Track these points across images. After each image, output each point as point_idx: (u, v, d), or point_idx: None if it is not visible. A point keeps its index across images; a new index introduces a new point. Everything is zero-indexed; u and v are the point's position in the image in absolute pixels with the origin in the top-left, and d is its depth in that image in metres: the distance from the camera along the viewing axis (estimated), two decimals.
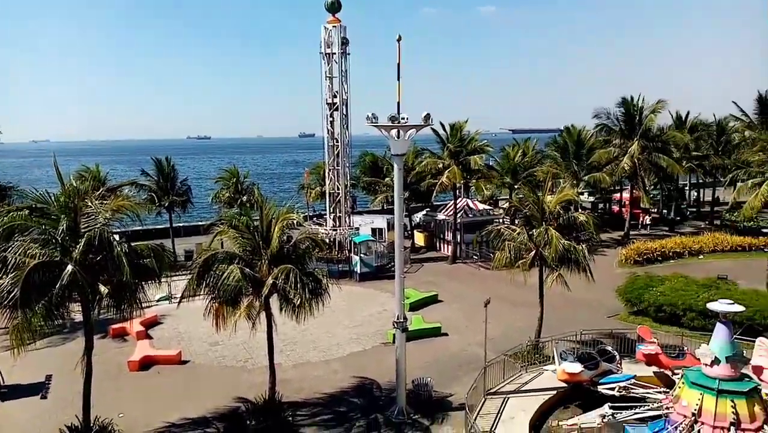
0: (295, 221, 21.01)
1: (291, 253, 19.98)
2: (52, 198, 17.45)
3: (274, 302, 19.39)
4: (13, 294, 15.39)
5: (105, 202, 17.92)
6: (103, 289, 17.34)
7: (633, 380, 19.56)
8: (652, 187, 58.96)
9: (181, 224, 51.22)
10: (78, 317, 17.75)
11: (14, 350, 15.91)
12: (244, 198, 46.21)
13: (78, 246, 16.21)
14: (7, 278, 15.95)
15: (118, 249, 16.71)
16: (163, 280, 19.44)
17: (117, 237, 17.91)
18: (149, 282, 18.44)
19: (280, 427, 19.25)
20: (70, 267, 15.88)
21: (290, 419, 19.89)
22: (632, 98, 49.58)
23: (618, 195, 59.11)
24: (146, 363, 25.15)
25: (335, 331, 28.90)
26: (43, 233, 16.64)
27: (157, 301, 32.92)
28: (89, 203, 17.25)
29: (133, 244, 18.23)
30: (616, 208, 58.40)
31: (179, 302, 19.89)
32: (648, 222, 54.07)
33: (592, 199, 61.99)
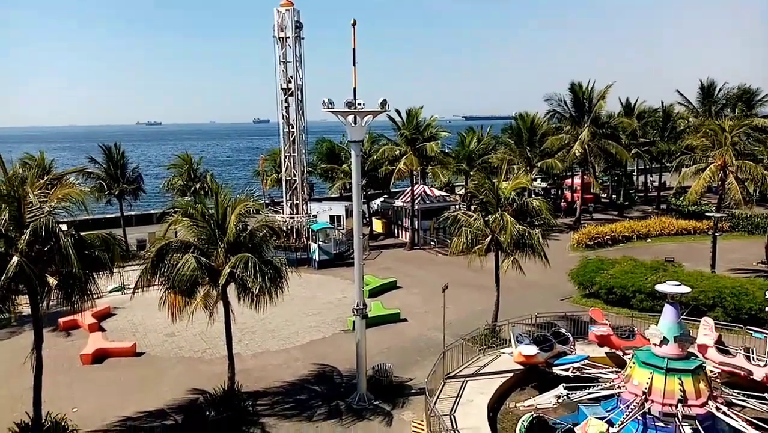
0: (251, 209, 20.70)
1: (248, 241, 19.69)
2: None
3: (232, 291, 19.12)
4: None
5: (50, 190, 17.19)
6: (51, 281, 16.69)
7: (586, 361, 20.12)
8: (602, 172, 60.76)
9: (132, 213, 49.87)
10: (26, 310, 17.06)
11: None
12: (198, 186, 45.18)
13: (23, 237, 15.54)
14: None
15: (65, 240, 16.10)
16: (115, 270, 18.80)
17: (65, 227, 17.23)
18: (100, 273, 17.86)
19: (239, 417, 19.07)
20: (15, 258, 15.24)
21: (250, 408, 19.72)
22: (581, 84, 50.57)
23: (570, 180, 60.64)
24: (99, 356, 24.47)
25: (295, 319, 28.75)
26: None
27: (110, 292, 32.02)
28: (34, 192, 16.50)
29: (82, 234, 17.60)
30: (568, 193, 59.87)
31: (133, 292, 19.46)
32: (591, 209, 55.36)
33: (544, 185, 63.36)
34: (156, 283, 19.01)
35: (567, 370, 19.64)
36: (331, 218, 45.63)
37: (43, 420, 17.02)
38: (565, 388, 17.98)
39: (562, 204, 57.15)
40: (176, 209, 21.82)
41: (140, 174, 46.57)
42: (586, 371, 19.50)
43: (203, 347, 25.41)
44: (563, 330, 22.33)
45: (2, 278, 15.01)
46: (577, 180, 55.90)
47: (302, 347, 25.59)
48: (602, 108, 50.79)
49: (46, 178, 19.41)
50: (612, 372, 19.19)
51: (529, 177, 43.60)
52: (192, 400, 20.61)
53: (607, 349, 21.53)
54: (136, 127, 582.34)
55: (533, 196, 30.87)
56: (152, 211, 54.22)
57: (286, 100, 41.59)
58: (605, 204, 61.62)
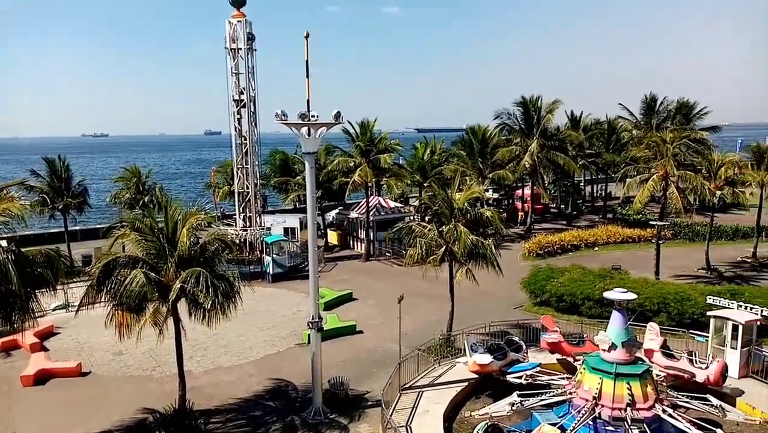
0: (203, 222, 20.28)
1: (199, 255, 19.26)
2: None
3: (183, 306, 18.61)
4: None
5: None
6: None
7: (538, 368, 20.56)
8: (551, 183, 62.41)
9: (77, 228, 48.08)
10: None
11: None
12: (146, 199, 43.97)
13: None
14: None
15: (4, 256, 15.42)
16: (59, 287, 18.07)
17: (4, 243, 16.49)
18: (43, 290, 17.16)
19: None
20: None
21: (203, 427, 19.18)
22: (531, 98, 52.02)
23: (520, 191, 61.99)
24: (42, 377, 23.35)
25: (248, 334, 28.23)
26: None
27: (53, 310, 30.72)
28: None
29: (24, 249, 16.87)
30: (518, 204, 61.17)
31: (77, 310, 18.66)
32: (528, 220, 56.15)
33: (496, 195, 64.55)
34: (102, 300, 18.33)
35: (520, 377, 19.99)
36: (285, 230, 45.12)
37: None
38: (519, 395, 18.27)
39: (520, 214, 57.91)
40: (124, 223, 21.18)
41: (86, 187, 44.92)
42: (538, 378, 19.89)
43: (153, 365, 24.64)
44: (516, 338, 22.74)
45: None
46: (528, 191, 57.19)
47: (256, 362, 25.13)
48: (550, 121, 52.31)
49: None
50: (563, 378, 19.65)
51: (482, 188, 44.35)
52: (141, 420, 19.92)
53: (558, 355, 22.04)
54: (82, 139, 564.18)
55: (486, 206, 31.36)
56: (98, 226, 52.34)
57: (239, 112, 41.08)
58: (554, 214, 63.21)
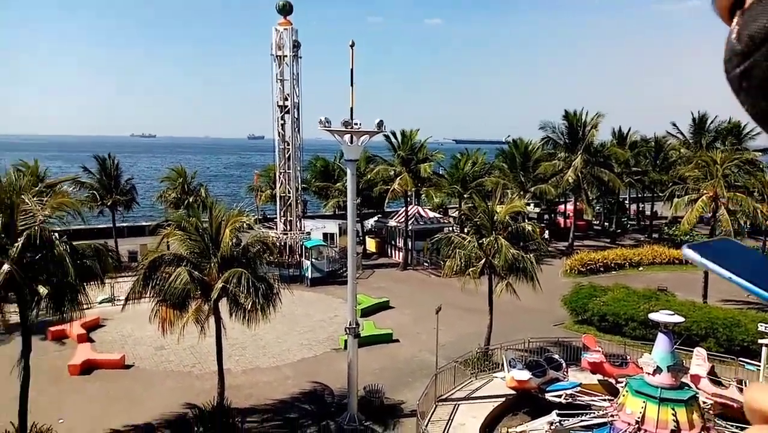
0: (245, 224, 20.64)
1: (241, 256, 19.61)
2: None
3: (224, 306, 18.93)
4: None
5: (44, 199, 17.06)
6: (42, 289, 16.54)
7: (579, 388, 20.11)
8: (595, 200, 61.21)
9: (124, 224, 49.50)
10: (14, 318, 16.80)
11: None
12: (191, 199, 45.02)
13: (16, 245, 15.38)
14: None
15: (60, 248, 15.97)
16: (106, 281, 18.65)
17: (57, 236, 17.08)
18: (91, 283, 17.71)
19: None
20: (6, 266, 15.04)
21: (240, 425, 19.43)
22: (575, 112, 51.22)
23: (562, 207, 60.96)
24: (87, 367, 24.09)
25: (286, 336, 28.49)
26: None
27: (100, 303, 31.61)
28: (27, 200, 16.36)
29: (74, 243, 17.45)
30: (560, 219, 60.19)
31: (124, 304, 19.22)
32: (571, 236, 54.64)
33: (537, 210, 63.66)
34: (147, 295, 18.82)
35: (559, 396, 19.60)
36: (325, 235, 45.50)
37: (29, 431, 16.69)
38: (558, 415, 17.91)
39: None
40: (170, 222, 21.72)
41: (134, 186, 46.36)
42: (578, 398, 19.46)
43: (193, 362, 25.09)
44: (556, 356, 22.31)
45: None
46: (570, 206, 56.23)
47: (293, 365, 25.33)
48: (594, 136, 51.36)
49: (39, 186, 19.32)
50: (605, 400, 19.14)
51: (523, 202, 43.84)
52: (180, 415, 20.27)
53: (599, 376, 21.51)
54: (130, 139, 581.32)
55: (527, 221, 30.95)
56: (144, 223, 53.85)
57: (282, 117, 41.73)
58: (597, 231, 61.93)
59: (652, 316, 17.96)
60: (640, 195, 68.36)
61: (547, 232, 24.45)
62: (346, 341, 21.72)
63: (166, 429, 19.43)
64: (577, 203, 54.06)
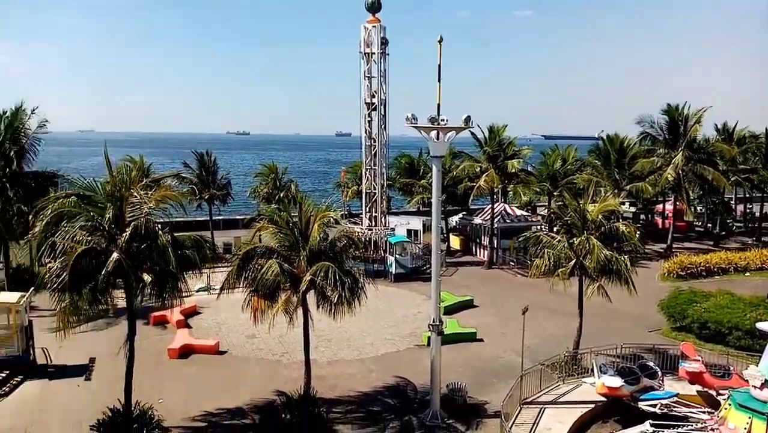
0: (333, 219, 21.08)
1: (328, 250, 20.04)
2: (99, 186, 17.81)
3: (311, 298, 19.46)
4: (62, 278, 15.85)
5: (149, 192, 18.19)
6: (146, 277, 17.71)
7: (675, 398, 18.97)
8: (697, 199, 57.46)
9: (220, 217, 52.03)
10: (121, 303, 18.11)
11: (61, 331, 16.38)
12: (282, 194, 46.67)
13: (124, 234, 16.51)
14: (56, 263, 16.43)
15: (164, 239, 16.99)
16: (203, 271, 19.67)
17: (160, 227, 18.18)
18: (190, 272, 18.71)
19: (314, 422, 19.26)
20: (115, 254, 16.15)
21: (324, 415, 19.93)
22: (677, 106, 48.21)
23: (660, 206, 57.67)
24: (185, 352, 25.59)
25: (370, 330, 28.88)
26: (90, 220, 16.98)
27: (197, 291, 33.42)
28: (135, 193, 17.50)
29: (175, 234, 18.49)
30: (658, 219, 57.08)
31: (219, 293, 20.16)
32: (669, 238, 52.05)
33: (633, 209, 60.64)
34: (240, 285, 19.68)
35: (654, 406, 18.61)
36: (409, 231, 45.68)
37: (133, 408, 17.93)
38: (652, 425, 17.01)
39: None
40: (262, 216, 22.57)
41: (229, 180, 48.67)
42: (675, 409, 18.39)
43: (281, 351, 26.01)
44: (651, 363, 21.15)
45: (102, 272, 16.00)
46: (669, 206, 53.14)
47: (376, 359, 25.65)
48: (698, 132, 48.09)
49: (145, 180, 20.66)
50: (704, 412, 17.96)
51: (618, 200, 41.86)
52: (269, 401, 21.04)
53: (698, 387, 20.19)
54: (226, 136, 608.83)
55: (621, 220, 29.50)
56: (238, 217, 56.36)
57: (369, 115, 42.24)
58: (699, 233, 58.19)
59: (760, 325, 16.76)
60: (748, 195, 63.40)
61: (637, 233, 23.04)
62: (429, 337, 21.70)
63: (255, 414, 20.24)
64: (677, 203, 51.00)
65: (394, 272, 39.06)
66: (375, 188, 43.02)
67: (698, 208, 59.47)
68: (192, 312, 30.92)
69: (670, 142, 48.43)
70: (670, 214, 51.76)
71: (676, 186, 48.03)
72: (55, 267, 16.27)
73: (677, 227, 52.00)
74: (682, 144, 47.24)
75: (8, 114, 31.73)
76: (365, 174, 43.57)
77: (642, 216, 60.95)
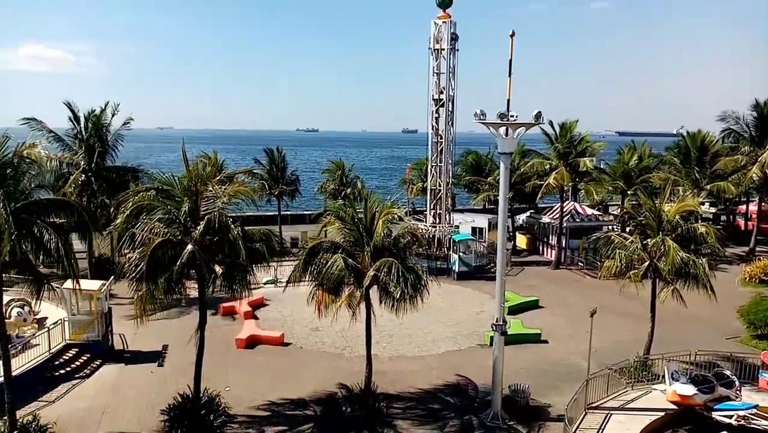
0: (397, 216, 21.15)
1: (392, 246, 20.15)
2: (176, 181, 18.64)
3: (374, 293, 19.65)
4: (140, 268, 16.73)
5: (223, 187, 18.90)
6: (218, 269, 18.40)
7: (754, 410, 17.93)
8: None
9: (288, 212, 53.28)
10: (193, 293, 18.93)
11: (137, 318, 17.34)
12: (348, 190, 47.29)
13: (198, 227, 17.25)
14: (135, 253, 17.35)
15: (235, 232, 17.63)
16: (271, 264, 20.24)
17: (232, 220, 18.85)
18: (258, 265, 19.31)
19: (374, 417, 19.50)
20: (189, 246, 16.91)
21: (384, 410, 20.12)
22: (766, 102, 45.26)
23: (743, 207, 54.38)
24: (252, 342, 26.46)
25: (431, 328, 28.86)
26: (167, 213, 17.81)
27: (264, 284, 34.41)
28: (210, 188, 18.22)
29: (245, 228, 19.12)
30: (740, 221, 53.87)
31: (285, 286, 20.67)
32: (753, 240, 48.94)
33: (713, 210, 57.49)
34: (306, 279, 20.12)
35: (730, 417, 17.68)
36: (473, 229, 45.21)
37: (201, 395, 18.73)
38: None
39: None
40: (329, 212, 22.95)
41: (297, 177, 49.77)
42: (753, 422, 17.38)
43: (344, 345, 26.44)
44: (727, 372, 20.05)
45: (177, 263, 16.79)
46: (754, 207, 49.99)
47: (438, 356, 25.61)
48: None
49: (219, 175, 21.45)
50: None
51: (697, 200, 39.78)
52: (331, 394, 21.50)
53: None
54: (295, 133, 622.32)
55: (700, 221, 28.02)
56: (305, 212, 57.55)
57: (437, 111, 42.06)
58: None
59: None
60: None
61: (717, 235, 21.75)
62: (491, 337, 21.47)
63: (317, 406, 20.72)
64: (762, 204, 47.91)
65: (457, 270, 38.80)
66: (440, 185, 42.84)
67: None
68: (259, 304, 31.90)
69: (757, 140, 45.63)
70: (754, 216, 48.73)
71: (762, 186, 45.21)
72: (134, 257, 17.19)
73: (761, 229, 48.90)
74: None
75: (96, 113, 33.73)
76: (431, 171, 43.45)
77: (723, 217, 57.65)
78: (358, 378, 20.88)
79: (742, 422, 17.44)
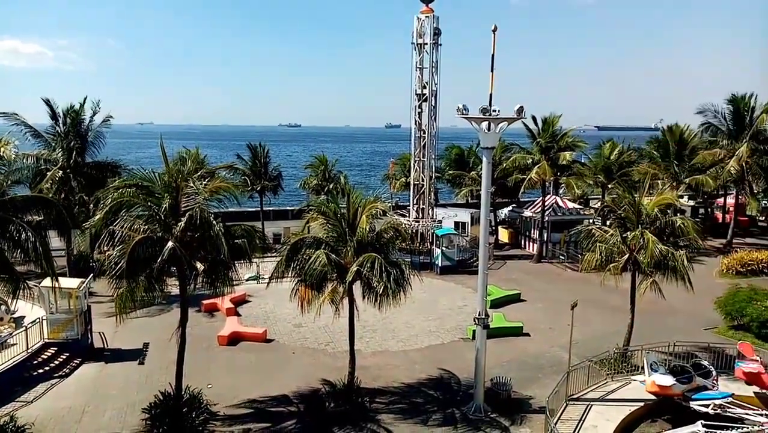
0: (379, 211, 21.17)
1: (375, 241, 20.20)
2: (157, 177, 18.43)
3: (357, 289, 19.68)
4: (120, 265, 16.55)
5: (204, 183, 18.74)
6: (199, 266, 18.26)
7: (730, 399, 18.30)
8: (762, 193, 54.70)
9: (270, 208, 52.98)
10: (174, 290, 18.77)
11: (117, 316, 17.13)
12: (331, 186, 47.15)
13: (179, 224, 17.08)
14: (114, 250, 17.16)
15: (217, 228, 17.49)
16: (253, 260, 20.15)
17: (214, 217, 18.72)
18: (240, 261, 19.22)
19: (358, 412, 19.58)
20: (170, 243, 16.74)
21: (368, 405, 20.18)
22: (743, 96, 45.97)
23: (721, 200, 55.29)
24: (234, 339, 26.32)
25: (414, 322, 28.97)
26: (148, 209, 17.61)
27: (246, 280, 34.30)
28: (191, 184, 18.04)
29: (227, 224, 19.00)
30: (718, 214, 54.79)
31: (268, 282, 20.62)
32: (729, 233, 49.61)
33: (692, 203, 58.39)
34: (289, 275, 20.08)
35: (707, 406, 18.02)
36: (456, 224, 45.40)
37: (183, 392, 18.62)
38: (704, 426, 16.43)
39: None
40: (312, 207, 22.90)
41: (280, 172, 49.51)
42: (729, 410, 17.73)
43: (327, 340, 26.43)
44: (705, 362, 20.43)
45: (158, 260, 16.62)
46: (731, 200, 50.83)
47: (421, 351, 25.72)
48: (764, 123, 45.68)
49: (200, 171, 21.26)
50: (761, 415, 17.25)
51: (675, 194, 40.33)
52: (314, 390, 21.50)
53: (756, 388, 19.41)
54: (277, 129, 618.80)
55: (679, 214, 28.39)
56: (288, 208, 57.34)
57: (420, 106, 42.06)
58: (762, 228, 55.54)
59: None
60: None
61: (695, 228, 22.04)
62: (474, 331, 21.59)
63: (300, 402, 20.70)
64: (740, 197, 48.73)
65: (440, 264, 38.96)
66: (423, 180, 42.91)
67: (762, 202, 56.68)
68: (241, 300, 31.74)
69: (734, 134, 46.26)
70: (732, 209, 49.56)
71: (739, 179, 45.89)
72: (113, 255, 16.99)
73: (739, 221, 49.79)
74: (747, 135, 45.00)
75: (75, 108, 33.24)
76: (414, 166, 43.48)
77: (701, 210, 58.57)
78: (342, 374, 20.92)
79: (719, 411, 17.78)
